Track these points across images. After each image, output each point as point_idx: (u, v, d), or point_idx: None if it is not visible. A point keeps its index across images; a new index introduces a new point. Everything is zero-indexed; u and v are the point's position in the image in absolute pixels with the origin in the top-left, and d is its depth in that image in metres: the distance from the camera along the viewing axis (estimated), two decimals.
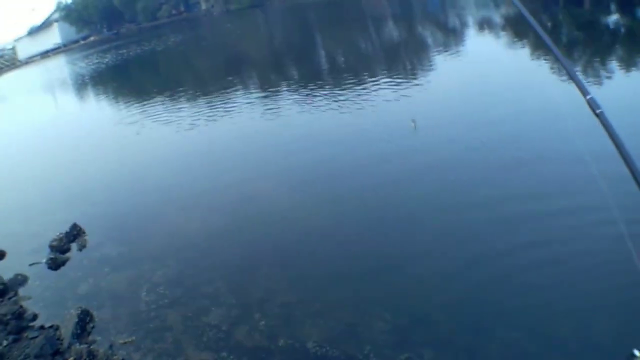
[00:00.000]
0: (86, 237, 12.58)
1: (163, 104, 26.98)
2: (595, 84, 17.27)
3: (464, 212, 10.59)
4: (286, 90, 24.64)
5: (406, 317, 7.94)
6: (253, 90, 26.61)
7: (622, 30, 27.25)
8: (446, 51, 27.84)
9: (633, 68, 18.46)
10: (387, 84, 21.28)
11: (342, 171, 13.67)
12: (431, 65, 24.89)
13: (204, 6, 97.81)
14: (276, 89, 25.45)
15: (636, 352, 2.50)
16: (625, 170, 3.02)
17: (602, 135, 3.32)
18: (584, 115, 3.66)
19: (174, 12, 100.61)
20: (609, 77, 17.98)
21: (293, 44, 43.67)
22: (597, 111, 3.17)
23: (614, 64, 19.77)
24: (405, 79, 21.91)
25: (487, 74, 21.30)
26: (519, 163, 12.11)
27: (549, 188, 10.71)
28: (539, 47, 23.17)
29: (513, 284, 8.24)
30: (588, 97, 3.25)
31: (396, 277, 8.95)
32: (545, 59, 20.60)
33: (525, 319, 7.44)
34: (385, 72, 24.36)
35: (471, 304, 8.05)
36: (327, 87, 23.35)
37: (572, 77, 3.50)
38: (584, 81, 3.39)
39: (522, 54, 23.62)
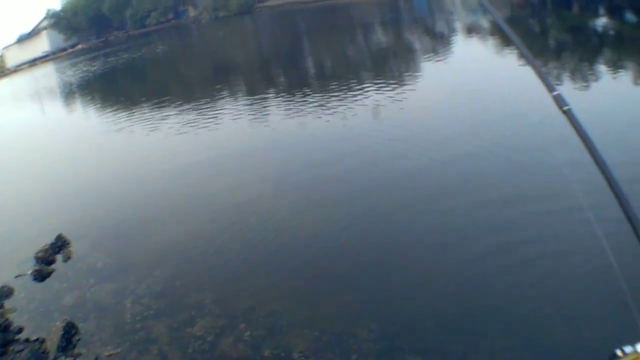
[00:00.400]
0: (71, 248, 12.47)
1: (151, 112, 26.82)
2: (582, 88, 17.41)
3: (445, 216, 10.61)
4: (275, 97, 24.61)
5: (392, 324, 7.88)
6: (241, 98, 26.61)
7: (611, 33, 27.38)
8: (433, 57, 27.94)
9: (620, 71, 18.57)
10: (375, 90, 21.34)
11: (329, 178, 13.61)
12: (417, 71, 25.01)
13: (192, 13, 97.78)
14: (265, 96, 25.41)
15: (618, 352, 2.48)
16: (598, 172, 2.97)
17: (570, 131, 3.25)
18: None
19: (162, 19, 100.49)
20: (595, 80, 18.10)
21: (282, 51, 43.66)
22: (565, 108, 3.14)
23: (601, 67, 19.91)
24: (392, 85, 21.97)
25: (471, 78, 21.44)
26: (493, 167, 12.20)
27: (524, 191, 10.80)
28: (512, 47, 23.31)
29: (498, 286, 8.22)
30: (554, 93, 3.22)
31: (381, 285, 8.89)
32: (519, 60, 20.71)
33: (513, 323, 7.44)
34: (374, 78, 24.42)
35: (458, 309, 7.98)
36: (316, 94, 23.35)
37: (539, 74, 3.45)
38: (550, 78, 3.38)
39: (509, 58, 23.78)
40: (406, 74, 25.09)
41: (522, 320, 7.45)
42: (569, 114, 3.09)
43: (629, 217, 2.68)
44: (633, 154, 11.11)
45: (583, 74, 19.17)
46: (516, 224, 9.89)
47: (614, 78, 17.77)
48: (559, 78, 19.24)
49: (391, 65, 29.39)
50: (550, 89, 3.23)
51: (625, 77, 17.77)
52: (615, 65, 19.41)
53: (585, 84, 17.87)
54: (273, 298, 8.98)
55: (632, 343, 2.54)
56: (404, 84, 22.17)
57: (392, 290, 8.72)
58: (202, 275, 10.20)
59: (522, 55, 3.78)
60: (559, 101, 3.15)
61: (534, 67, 3.49)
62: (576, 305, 7.53)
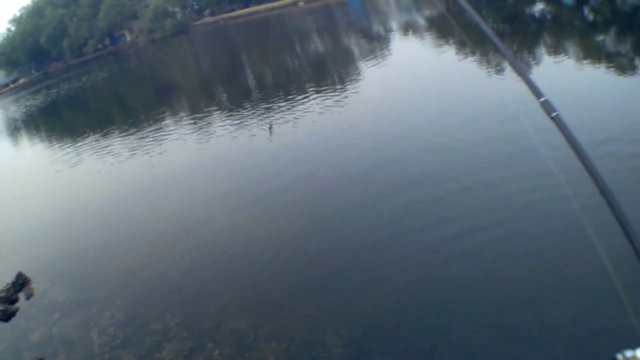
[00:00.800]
0: (32, 285, 12.28)
1: (97, 142, 26.40)
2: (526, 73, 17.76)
3: (406, 219, 10.69)
4: (218, 114, 24.53)
5: (359, 328, 7.92)
6: (185, 118, 26.52)
7: (548, 19, 27.83)
8: (373, 59, 28.13)
9: (561, 54, 18.96)
10: (317, 98, 21.45)
11: (282, 190, 13.62)
12: (359, 75, 25.17)
13: (128, 37, 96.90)
14: (208, 114, 25.33)
15: (619, 357, 2.50)
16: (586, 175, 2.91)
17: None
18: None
19: (99, 46, 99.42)
20: (536, 64, 18.50)
21: (221, 67, 43.56)
22: (553, 114, 3.06)
23: (542, 52, 20.32)
24: (336, 91, 22.10)
25: (412, 76, 21.74)
26: (479, 167, 12.36)
27: (511, 199, 10.95)
28: (465, 47, 23.66)
29: (464, 282, 8.28)
30: (542, 99, 3.13)
31: (343, 290, 8.91)
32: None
33: (481, 315, 7.47)
34: (314, 86, 24.52)
35: (422, 306, 8.03)
36: (258, 107, 23.36)
37: (525, 80, 3.39)
38: (537, 83, 3.27)
39: (449, 55, 24.13)
40: (346, 78, 25.27)
41: (494, 311, 7.52)
42: (557, 120, 3.04)
43: (630, 239, 2.65)
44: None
45: (524, 61, 19.51)
46: (470, 214, 10.03)
47: (555, 62, 18.16)
48: (499, 67, 19.59)
49: (331, 71, 29.51)
50: (538, 95, 3.18)
51: (566, 59, 18.17)
52: (555, 49, 19.81)
53: (526, 71, 18.21)
54: (237, 315, 8.95)
55: (633, 347, 2.55)
56: (345, 89, 22.34)
57: (354, 295, 8.73)
58: (163, 299, 10.11)
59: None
60: (547, 107, 3.10)
61: (520, 73, 3.46)
62: (541, 290, 7.67)
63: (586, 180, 2.94)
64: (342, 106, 19.73)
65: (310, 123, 18.70)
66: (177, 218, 13.80)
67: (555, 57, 18.83)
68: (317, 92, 22.76)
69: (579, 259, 7.96)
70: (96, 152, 23.94)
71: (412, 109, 17.36)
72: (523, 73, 3.42)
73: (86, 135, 29.75)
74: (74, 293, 11.48)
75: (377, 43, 34.75)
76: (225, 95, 31.44)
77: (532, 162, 11.17)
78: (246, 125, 20.65)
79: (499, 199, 10.30)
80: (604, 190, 2.72)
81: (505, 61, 20.25)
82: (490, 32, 4.07)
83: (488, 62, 21.08)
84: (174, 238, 12.73)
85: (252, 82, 33.00)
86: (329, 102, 20.48)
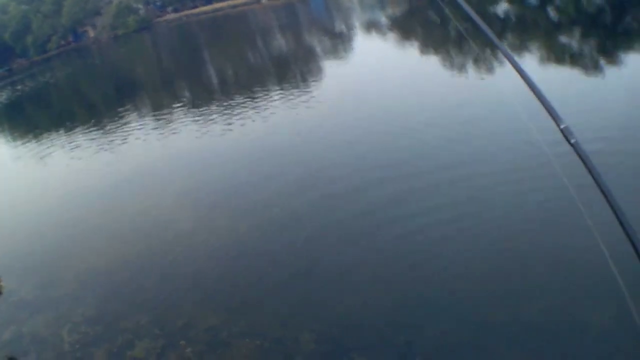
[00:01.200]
0: (1, 283, 12.14)
1: (61, 140, 25.90)
2: (489, 72, 17.94)
3: (379, 214, 10.68)
4: (181, 111, 24.27)
5: (332, 325, 7.88)
6: (148, 115, 26.34)
7: (512, 18, 28.03)
8: (334, 57, 28.17)
9: (525, 53, 19.15)
10: (279, 96, 21.41)
11: (250, 187, 13.56)
12: (320, 73, 25.18)
13: (91, 34, 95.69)
14: (171, 111, 25.03)
15: None
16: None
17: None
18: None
19: (63, 43, 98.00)
20: (501, 64, 18.66)
21: (183, 64, 43.18)
22: (572, 141, 2.94)
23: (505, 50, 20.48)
24: (298, 89, 22.06)
25: (375, 74, 21.79)
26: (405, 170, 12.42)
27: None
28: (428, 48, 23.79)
29: (439, 277, 8.30)
30: (562, 126, 3.00)
31: (316, 286, 8.87)
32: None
33: (456, 310, 7.48)
34: (276, 84, 24.49)
35: (397, 302, 8.00)
36: (221, 104, 23.28)
37: (545, 106, 3.19)
38: (556, 108, 3.12)
39: (409, 51, 24.24)
40: (308, 75, 25.23)
41: (469, 306, 7.53)
42: (576, 147, 2.94)
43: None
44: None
45: (486, 60, 19.64)
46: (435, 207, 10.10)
47: (519, 60, 18.27)
48: (463, 66, 19.69)
49: (292, 68, 29.43)
50: (558, 121, 3.07)
51: (529, 59, 18.33)
52: (519, 48, 19.98)
53: (489, 69, 18.36)
54: (209, 312, 8.85)
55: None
56: (306, 86, 22.31)
57: (327, 290, 8.71)
58: (134, 297, 9.96)
59: (528, 85, 3.37)
60: (567, 134, 3.00)
61: (540, 98, 3.27)
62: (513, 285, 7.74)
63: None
64: (304, 103, 19.72)
65: (273, 120, 18.67)
66: (144, 215, 13.63)
67: (518, 57, 18.97)
68: (279, 89, 22.72)
69: (553, 254, 8.04)
70: (63, 148, 23.53)
71: (371, 105, 17.45)
72: (542, 97, 3.24)
73: (51, 133, 29.21)
74: (43, 291, 11.26)
75: (339, 41, 34.75)
76: (187, 93, 31.16)
77: (508, 157, 11.31)
78: (207, 122, 20.55)
79: (474, 193, 10.38)
80: (623, 225, 2.59)
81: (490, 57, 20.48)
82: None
83: (451, 60, 21.25)
84: (142, 235, 12.57)
85: (214, 80, 32.86)
86: (291, 99, 20.47)
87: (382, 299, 8.08)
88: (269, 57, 36.52)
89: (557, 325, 6.78)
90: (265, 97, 21.83)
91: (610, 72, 15.85)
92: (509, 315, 7.14)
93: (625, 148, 10.44)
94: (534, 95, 3.32)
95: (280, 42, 41.20)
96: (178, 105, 26.29)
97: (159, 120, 23.92)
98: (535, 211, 9.34)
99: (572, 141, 2.95)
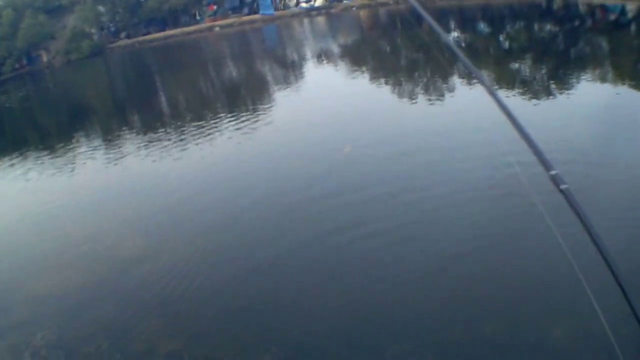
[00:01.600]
0: None
1: (11, 164, 25.72)
2: (437, 100, 18.55)
3: (335, 237, 10.91)
4: (132, 138, 24.06)
5: (292, 347, 8.08)
6: (98, 141, 26.23)
7: (463, 46, 28.69)
8: (285, 86, 28.48)
9: (474, 81, 19.74)
10: (229, 123, 21.68)
11: (201, 212, 13.75)
12: (272, 102, 25.48)
13: (45, 58, 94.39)
14: (121, 136, 25.10)
15: None
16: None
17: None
18: None
19: (17, 66, 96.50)
20: (450, 92, 19.25)
21: (136, 90, 42.89)
22: (562, 187, 2.94)
23: (454, 80, 21.09)
24: (246, 117, 22.33)
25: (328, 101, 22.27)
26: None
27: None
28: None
29: (396, 299, 8.49)
30: (552, 173, 3.01)
31: (275, 310, 9.03)
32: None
33: (415, 331, 7.70)
34: (227, 111, 24.70)
35: (356, 324, 8.23)
36: (171, 132, 23.28)
37: (535, 153, 3.13)
38: (546, 155, 3.12)
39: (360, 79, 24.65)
40: (259, 105, 25.49)
41: (429, 325, 7.79)
42: (566, 193, 2.94)
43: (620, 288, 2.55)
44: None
45: (437, 89, 20.23)
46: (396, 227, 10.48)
47: (470, 89, 18.89)
48: (413, 94, 20.27)
49: (244, 97, 29.65)
50: (548, 167, 3.06)
51: (479, 85, 18.88)
52: (469, 77, 20.61)
53: (440, 97, 18.97)
54: (169, 337, 8.96)
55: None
56: (257, 114, 22.61)
57: (286, 313, 8.92)
58: (95, 321, 9.96)
59: (515, 127, 3.36)
60: (557, 180, 3.01)
61: (531, 145, 3.21)
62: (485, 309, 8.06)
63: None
64: (253, 130, 20.06)
65: (223, 147, 18.96)
66: (97, 240, 13.62)
67: (469, 85, 19.59)
68: (230, 117, 22.95)
69: (514, 272, 8.45)
70: (11, 173, 23.22)
71: (320, 132, 17.90)
72: (533, 144, 3.22)
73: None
74: (2, 316, 11.20)
75: (290, 69, 35.08)
76: (138, 119, 30.98)
77: (471, 177, 11.83)
78: (157, 149, 20.68)
79: (430, 211, 10.80)
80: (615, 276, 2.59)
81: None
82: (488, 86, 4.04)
83: (400, 89, 21.80)
84: (97, 259, 12.59)
85: (165, 107, 32.66)
86: (241, 126, 20.76)
87: (342, 321, 8.33)
88: (220, 84, 36.60)
89: (515, 347, 7.15)
90: (216, 124, 22.01)
91: (560, 97, 16.69)
92: (470, 333, 7.45)
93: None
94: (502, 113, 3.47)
95: (232, 70, 41.32)
96: (129, 131, 26.26)
97: (109, 146, 23.77)
98: (498, 225, 9.76)
99: (562, 187, 2.94)
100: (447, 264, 9.23)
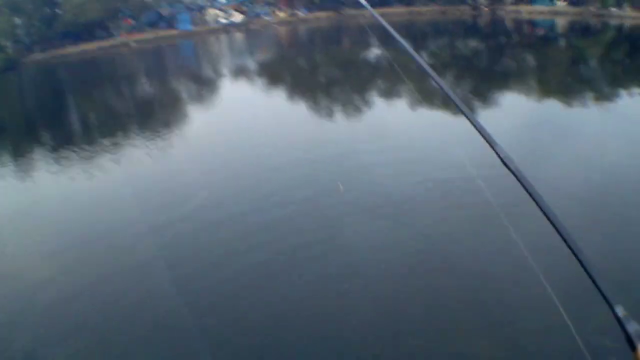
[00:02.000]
0: None
1: None
2: (354, 116, 18.65)
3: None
4: (42, 156, 23.97)
5: None
6: (7, 161, 25.27)
7: (384, 63, 28.89)
8: (200, 103, 28.26)
9: (393, 96, 19.83)
10: (143, 141, 21.29)
11: (111, 234, 13.93)
12: (186, 119, 25.32)
13: None
14: (31, 156, 24.80)
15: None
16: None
17: None
18: None
19: None
20: (368, 106, 19.40)
21: (48, 108, 41.76)
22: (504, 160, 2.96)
23: (373, 93, 21.36)
24: (158, 134, 22.03)
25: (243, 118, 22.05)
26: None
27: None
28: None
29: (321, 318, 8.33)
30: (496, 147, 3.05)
31: (233, 328, 9.44)
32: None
33: (342, 347, 7.51)
34: (141, 129, 24.38)
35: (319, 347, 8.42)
36: (83, 150, 22.93)
37: (482, 134, 3.22)
38: (490, 134, 3.16)
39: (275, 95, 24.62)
40: (173, 121, 25.30)
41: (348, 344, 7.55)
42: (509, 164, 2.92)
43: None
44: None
45: (354, 104, 20.32)
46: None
47: (388, 104, 19.12)
48: (329, 111, 20.28)
49: (158, 114, 29.27)
50: (492, 143, 3.10)
51: (399, 101, 19.13)
52: (389, 92, 20.74)
53: (357, 112, 19.09)
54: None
55: None
56: (170, 132, 22.39)
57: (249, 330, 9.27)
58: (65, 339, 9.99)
59: (460, 111, 3.40)
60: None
61: (474, 123, 3.33)
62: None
63: None
64: (166, 149, 19.79)
65: (135, 166, 18.60)
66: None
67: (388, 101, 19.80)
68: (143, 135, 22.60)
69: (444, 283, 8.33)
70: None
71: (236, 150, 17.88)
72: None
73: None
74: None
75: (205, 86, 34.77)
76: (50, 138, 30.31)
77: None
78: (68, 167, 20.72)
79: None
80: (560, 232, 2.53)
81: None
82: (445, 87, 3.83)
83: (315, 104, 21.75)
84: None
85: (77, 125, 32.02)
86: (154, 144, 20.49)
87: (300, 345, 8.61)
88: (135, 102, 36.01)
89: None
90: (128, 142, 21.76)
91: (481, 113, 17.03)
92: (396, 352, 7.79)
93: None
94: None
95: (147, 87, 40.68)
96: (39, 150, 26.21)
97: (18, 166, 23.00)
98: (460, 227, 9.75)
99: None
100: (405, 274, 10.11)
